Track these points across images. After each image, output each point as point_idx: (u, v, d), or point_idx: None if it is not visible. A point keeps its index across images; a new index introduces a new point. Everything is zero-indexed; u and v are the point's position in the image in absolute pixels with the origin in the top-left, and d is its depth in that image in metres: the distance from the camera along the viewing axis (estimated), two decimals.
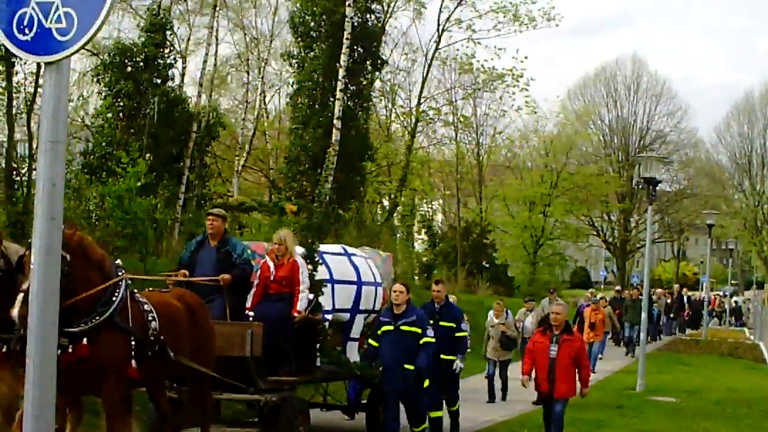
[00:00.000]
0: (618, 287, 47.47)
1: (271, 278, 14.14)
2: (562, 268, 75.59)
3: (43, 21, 5.24)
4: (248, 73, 48.81)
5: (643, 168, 27.15)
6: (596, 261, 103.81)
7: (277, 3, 48.30)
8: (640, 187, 63.63)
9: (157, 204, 28.87)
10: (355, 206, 40.76)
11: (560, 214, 66.82)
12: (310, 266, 14.26)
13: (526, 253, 64.23)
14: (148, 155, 30.58)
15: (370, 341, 15.43)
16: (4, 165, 30.20)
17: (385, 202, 54.29)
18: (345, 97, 38.15)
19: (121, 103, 34.88)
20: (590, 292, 40.99)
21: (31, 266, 5.18)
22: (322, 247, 15.44)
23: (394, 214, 50.98)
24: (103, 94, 35.95)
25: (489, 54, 64.34)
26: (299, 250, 14.64)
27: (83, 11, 5.14)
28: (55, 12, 5.21)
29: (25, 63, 30.30)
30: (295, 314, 13.77)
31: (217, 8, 41.78)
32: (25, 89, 32.27)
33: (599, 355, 31.28)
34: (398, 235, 49.11)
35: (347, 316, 15.74)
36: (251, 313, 13.92)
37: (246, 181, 49.96)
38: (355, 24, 38.88)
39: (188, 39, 46.61)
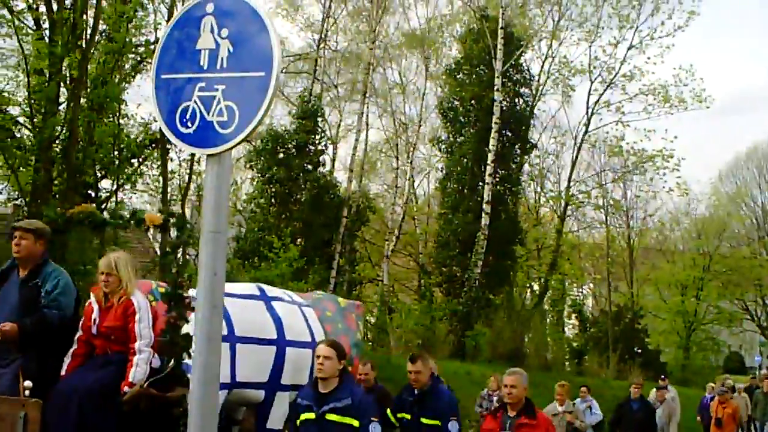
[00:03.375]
0: (753, 374, 43.13)
1: (93, 330, 9.22)
2: (715, 354, 73.73)
3: (205, 114, 5.37)
4: (397, 158, 49.23)
5: None
6: (751, 346, 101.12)
7: (426, 89, 48.75)
8: None
9: (308, 289, 29.20)
10: (506, 291, 40.56)
11: (713, 298, 65.32)
12: (174, 312, 9.26)
13: (678, 338, 62.85)
14: (299, 240, 30.96)
15: None
16: (159, 249, 30.91)
17: (535, 287, 53.84)
18: (494, 182, 38.26)
19: (273, 189, 35.56)
20: (721, 380, 30.93)
21: (193, 354, 5.29)
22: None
23: (545, 299, 50.50)
24: (256, 180, 36.67)
25: (638, 136, 63.78)
26: (146, 285, 10.01)
27: (244, 105, 5.26)
28: (216, 105, 5.34)
29: (180, 151, 31.24)
30: (125, 388, 8.77)
31: (367, 95, 42.36)
32: (179, 175, 33.15)
33: None
34: (548, 320, 48.61)
35: (261, 393, 10.95)
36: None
37: (395, 265, 50.12)
38: (504, 108, 39.08)
39: (338, 125, 47.41)
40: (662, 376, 27.50)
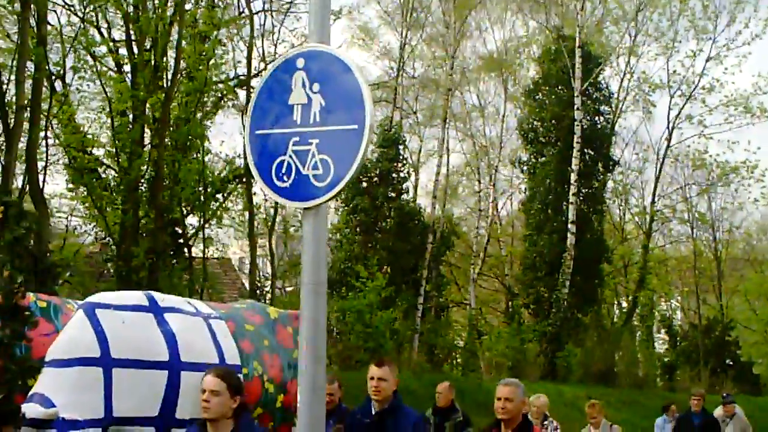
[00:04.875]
0: None
1: None
2: None
3: (301, 168, 5.46)
4: (479, 181, 49.19)
5: None
6: None
7: (505, 111, 48.71)
8: None
9: (396, 316, 29.32)
10: (594, 310, 40.32)
11: None
12: (7, 330, 7.59)
13: None
14: (385, 268, 31.04)
15: None
16: (248, 282, 31.20)
17: (623, 304, 53.40)
18: (578, 201, 38.12)
19: (358, 218, 35.74)
20: None
21: (299, 405, 5.36)
22: (98, 296, 8.65)
23: (633, 315, 50.05)
24: (340, 210, 36.91)
25: (721, 147, 63.15)
26: None
27: (339, 157, 5.35)
28: (311, 159, 5.43)
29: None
30: None
31: (447, 120, 42.44)
32: (264, 209, 33.43)
33: None
34: (638, 337, 48.16)
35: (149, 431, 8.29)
36: None
37: (482, 288, 50.02)
38: (585, 127, 38.95)
39: (419, 151, 47.51)
40: (724, 394, 24.67)
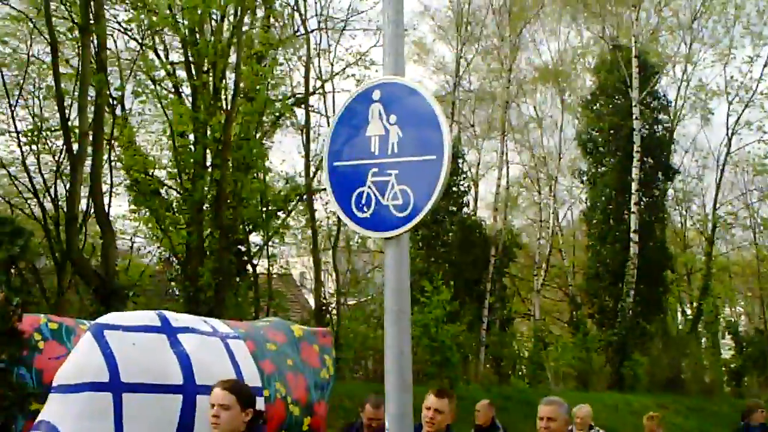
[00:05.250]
0: None
1: None
2: None
3: (380, 198, 5.54)
4: (539, 192, 49.07)
5: None
6: None
7: (563, 121, 48.58)
8: None
9: (461, 329, 29.31)
10: (659, 318, 40.08)
11: None
12: (3, 354, 7.43)
13: None
14: (450, 282, 30.97)
15: None
16: (312, 299, 31.33)
17: (688, 311, 52.99)
18: (639, 210, 37.92)
19: (421, 233, 35.75)
20: None
21: (386, 429, 5.42)
22: (108, 317, 8.16)
23: (698, 322, 49.66)
24: None
25: None
26: (33, 320, 7.92)
27: (418, 188, 5.42)
28: (391, 190, 5.50)
29: (326, 203, 31.71)
30: None
31: (505, 132, 42.42)
32: (327, 226, 33.56)
33: None
34: (703, 343, 47.77)
35: None
36: None
37: (545, 298, 49.82)
38: (644, 136, 38.76)
39: (478, 164, 47.46)
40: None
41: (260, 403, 7.67)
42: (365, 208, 5.61)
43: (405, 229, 5.47)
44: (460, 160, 38.87)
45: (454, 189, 37.12)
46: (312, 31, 32.65)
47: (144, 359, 7.64)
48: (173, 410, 7.62)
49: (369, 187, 5.61)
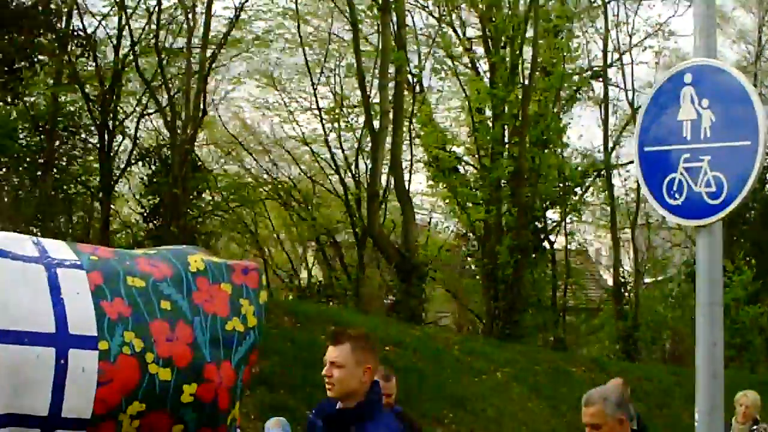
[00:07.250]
0: None
1: None
2: None
3: (692, 185, 5.40)
4: None
5: None
6: None
7: None
8: None
9: (763, 311, 28.31)
10: None
11: None
12: None
13: None
14: (752, 261, 29.78)
15: None
16: (611, 278, 31.03)
17: None
18: None
19: None
20: None
21: (695, 422, 5.33)
22: None
23: None
24: None
25: None
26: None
27: (732, 174, 5.26)
28: (703, 176, 5.35)
29: (625, 180, 31.28)
30: None
31: None
32: (626, 202, 33.06)
33: None
34: None
35: None
36: None
37: None
38: None
39: None
40: None
41: (87, 359, 5.29)
42: (677, 195, 5.50)
43: (718, 217, 5.34)
44: None
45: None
46: (609, 1, 32.10)
47: None
48: None
49: (681, 173, 5.49)
